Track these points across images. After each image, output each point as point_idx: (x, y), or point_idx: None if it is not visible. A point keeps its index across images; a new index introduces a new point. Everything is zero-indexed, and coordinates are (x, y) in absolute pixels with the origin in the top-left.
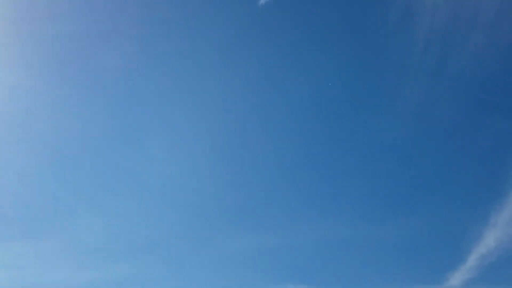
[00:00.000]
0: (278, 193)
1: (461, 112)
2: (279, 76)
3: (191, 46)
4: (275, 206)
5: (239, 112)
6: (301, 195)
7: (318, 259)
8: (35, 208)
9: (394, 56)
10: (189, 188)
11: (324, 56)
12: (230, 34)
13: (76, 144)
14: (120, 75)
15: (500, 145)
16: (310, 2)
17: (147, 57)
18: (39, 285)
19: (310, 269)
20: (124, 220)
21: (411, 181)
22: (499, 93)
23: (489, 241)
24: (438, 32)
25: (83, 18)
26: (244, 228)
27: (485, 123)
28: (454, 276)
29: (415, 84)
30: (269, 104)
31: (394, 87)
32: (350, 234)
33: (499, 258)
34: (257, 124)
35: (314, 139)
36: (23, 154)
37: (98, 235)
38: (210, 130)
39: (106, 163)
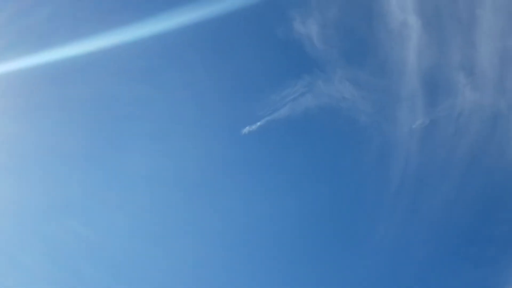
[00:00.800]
0: None
1: (432, 257)
2: (256, 207)
3: (175, 174)
4: None
5: (216, 241)
6: None
7: None
8: None
9: (368, 197)
10: None
11: (301, 193)
12: (212, 162)
13: None
14: None
15: None
16: (291, 137)
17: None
18: None
19: None
20: None
21: None
22: (469, 242)
23: None
24: (411, 177)
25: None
26: None
27: (455, 271)
28: None
29: (389, 226)
30: (244, 237)
31: (368, 227)
32: None
33: None
34: (232, 263)
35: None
36: None
37: None
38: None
39: None
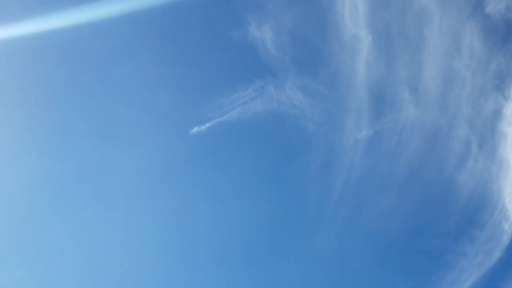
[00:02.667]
0: None
1: (370, 268)
2: (198, 208)
3: (121, 172)
4: None
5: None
6: None
7: None
8: None
9: (311, 203)
10: None
11: (245, 196)
12: (158, 160)
13: None
14: None
15: None
16: (238, 140)
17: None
18: None
19: None
20: None
21: None
22: (404, 253)
23: None
24: (352, 186)
25: None
26: None
27: (391, 282)
28: None
29: (329, 234)
30: (185, 239)
31: (309, 233)
32: None
33: None
34: (169, 264)
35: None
36: None
37: None
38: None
39: None
